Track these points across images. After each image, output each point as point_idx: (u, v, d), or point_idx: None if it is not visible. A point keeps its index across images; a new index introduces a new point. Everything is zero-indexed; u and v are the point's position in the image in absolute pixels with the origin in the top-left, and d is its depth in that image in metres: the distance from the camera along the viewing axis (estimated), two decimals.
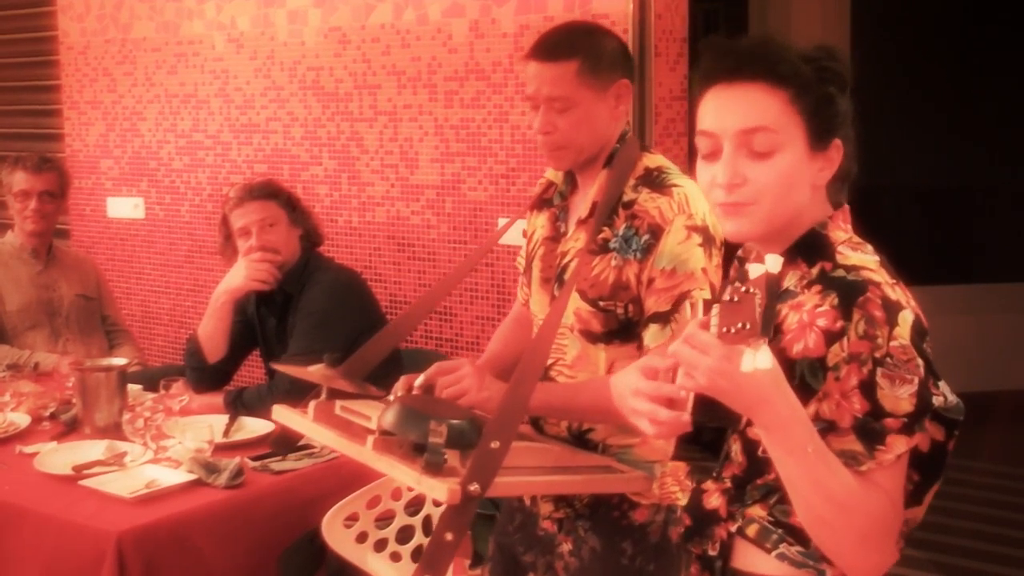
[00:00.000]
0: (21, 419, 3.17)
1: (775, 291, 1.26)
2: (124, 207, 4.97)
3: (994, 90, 6.08)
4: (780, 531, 1.53)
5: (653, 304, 2.13)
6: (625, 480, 2.17)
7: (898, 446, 1.42)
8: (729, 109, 1.52)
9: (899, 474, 1.46)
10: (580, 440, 2.25)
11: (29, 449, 2.95)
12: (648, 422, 1.47)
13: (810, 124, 1.51)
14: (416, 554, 2.51)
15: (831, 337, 1.42)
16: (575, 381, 2.24)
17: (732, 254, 1.79)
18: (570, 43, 2.20)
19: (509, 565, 2.39)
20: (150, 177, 4.88)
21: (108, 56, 4.93)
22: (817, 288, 1.47)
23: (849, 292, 1.44)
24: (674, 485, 2.22)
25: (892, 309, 1.43)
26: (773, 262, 1.29)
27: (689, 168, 2.28)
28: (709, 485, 1.64)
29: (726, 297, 1.31)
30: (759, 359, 1.28)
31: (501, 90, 3.85)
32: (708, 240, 2.14)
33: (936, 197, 6.27)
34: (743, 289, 1.29)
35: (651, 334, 2.13)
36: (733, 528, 1.58)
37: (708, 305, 1.39)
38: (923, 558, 4.11)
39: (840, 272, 1.48)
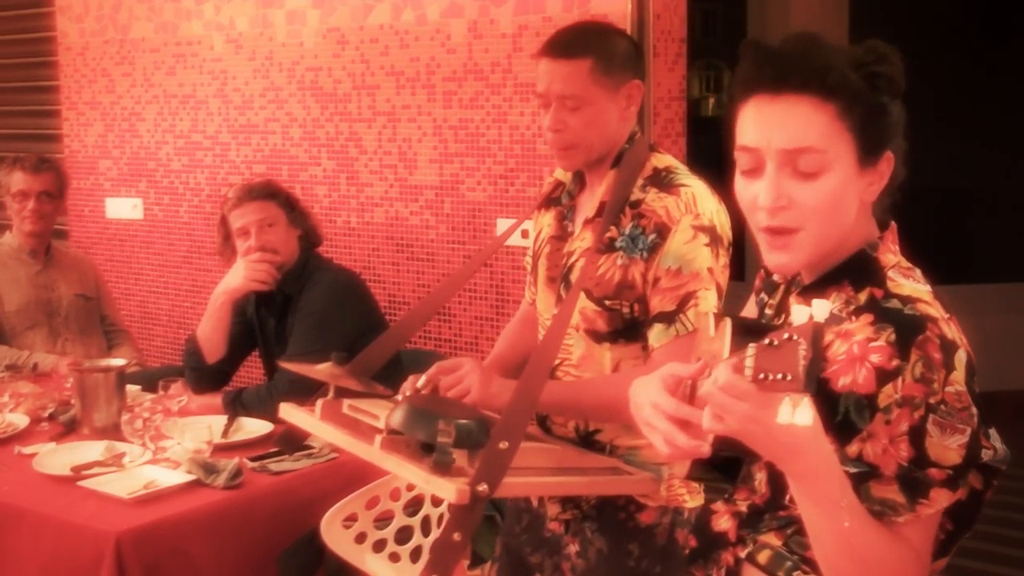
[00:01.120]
0: (20, 420, 3.16)
1: (820, 343, 1.15)
2: (123, 208, 4.97)
3: (995, 90, 6.08)
4: (795, 558, 1.44)
5: (658, 304, 2.13)
6: (632, 482, 2.17)
7: (941, 500, 1.34)
8: (773, 125, 1.40)
9: (932, 528, 1.37)
10: (587, 441, 2.25)
11: (28, 450, 2.95)
12: (663, 441, 1.37)
13: (860, 139, 1.39)
14: (415, 554, 2.51)
15: (884, 376, 1.31)
16: (581, 379, 2.24)
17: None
18: (584, 42, 2.20)
19: (516, 566, 2.39)
20: (149, 178, 4.87)
21: (107, 57, 4.93)
22: (868, 318, 1.36)
23: (908, 328, 1.33)
24: (681, 487, 2.22)
25: (950, 350, 1.33)
26: (821, 309, 1.18)
27: (688, 168, 2.28)
28: (719, 506, 1.56)
29: (764, 341, 1.20)
30: (799, 415, 1.17)
31: (500, 90, 3.85)
32: (715, 240, 2.13)
33: (936, 197, 6.26)
34: (785, 336, 1.18)
35: (656, 333, 2.13)
36: (742, 554, 1.50)
37: (719, 319, 1.31)
38: None
39: (895, 303, 1.37)
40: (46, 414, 3.21)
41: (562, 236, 2.32)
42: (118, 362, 3.28)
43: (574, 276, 2.22)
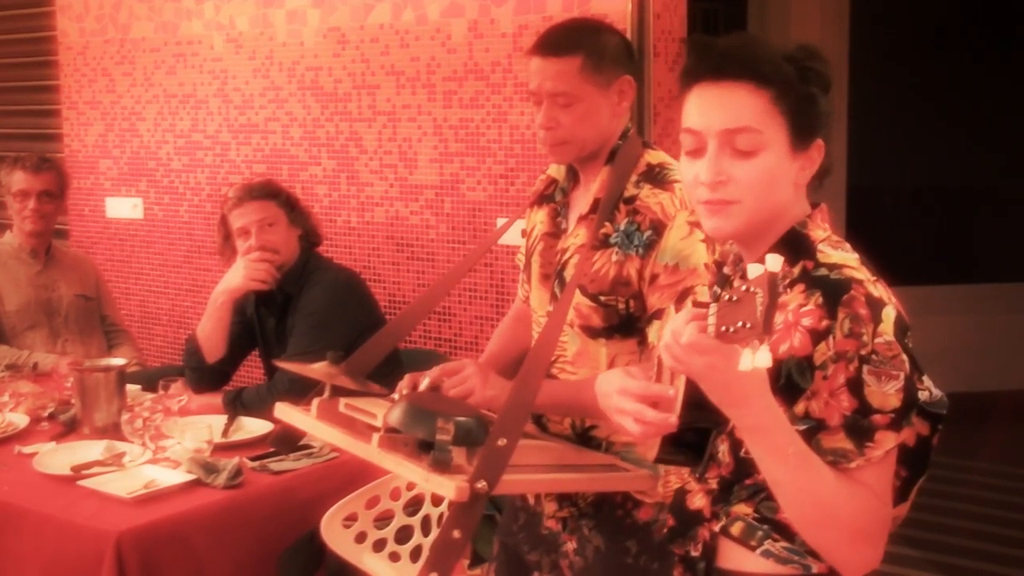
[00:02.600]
0: (20, 419, 3.16)
1: (776, 290, 1.26)
2: (123, 207, 4.97)
3: (994, 90, 6.07)
4: (765, 527, 1.53)
5: (657, 301, 2.13)
6: (630, 479, 2.17)
7: (887, 442, 1.44)
8: (714, 108, 1.54)
9: (887, 471, 1.47)
10: (584, 438, 2.25)
11: (28, 449, 2.95)
12: (633, 421, 1.48)
13: (792, 124, 1.52)
14: (415, 554, 2.51)
15: (817, 336, 1.43)
16: (578, 378, 2.24)
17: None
18: (574, 39, 2.21)
19: (514, 564, 2.39)
20: (149, 177, 4.87)
21: (107, 56, 4.93)
22: (800, 287, 1.49)
23: (833, 290, 1.45)
24: (678, 483, 2.22)
25: (876, 306, 1.44)
26: (774, 261, 1.28)
27: None
28: (693, 486, 1.65)
29: (724, 297, 1.30)
30: (759, 358, 1.27)
31: (500, 90, 3.85)
32: (710, 236, 2.14)
33: (936, 197, 6.26)
34: (743, 288, 1.28)
35: (655, 330, 2.13)
36: (717, 528, 1.58)
37: (700, 307, 1.38)
38: (923, 558, 4.11)
39: (823, 271, 1.49)
40: (46, 414, 3.21)
41: (556, 233, 2.32)
42: (118, 362, 3.28)
43: (568, 273, 2.22)
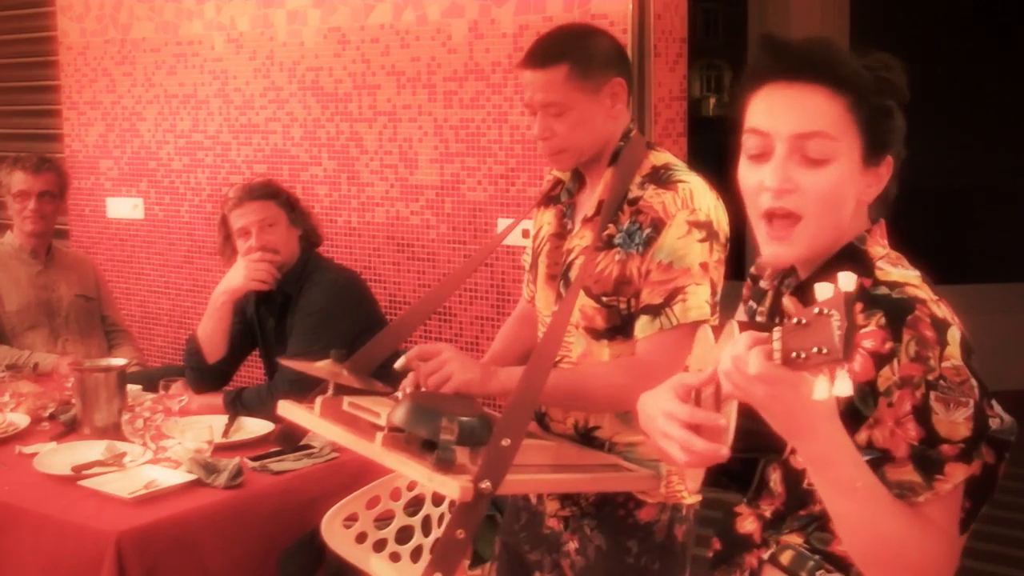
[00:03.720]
0: (20, 419, 3.16)
1: (852, 311, 1.16)
2: (123, 207, 4.97)
3: (995, 90, 6.08)
4: (817, 558, 1.44)
5: (647, 296, 2.14)
6: (632, 479, 2.17)
7: (957, 475, 1.35)
8: (786, 109, 1.43)
9: (955, 505, 1.39)
10: (586, 438, 2.25)
11: (28, 449, 2.95)
12: (679, 449, 1.37)
13: (866, 136, 1.43)
14: (415, 554, 2.51)
15: (881, 360, 1.34)
16: (578, 368, 2.24)
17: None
18: (558, 48, 2.22)
19: (515, 564, 2.39)
20: (149, 177, 4.87)
21: (107, 56, 4.93)
22: (859, 307, 1.37)
23: (896, 311, 1.36)
24: (680, 484, 2.22)
25: (942, 328, 1.35)
26: (847, 280, 1.19)
27: (688, 167, 2.29)
28: (743, 508, 1.56)
29: (791, 321, 1.20)
30: (839, 386, 1.17)
31: (500, 90, 3.85)
32: (711, 235, 2.14)
33: (937, 197, 6.26)
34: (816, 311, 1.18)
35: (641, 325, 2.15)
36: (765, 555, 1.50)
37: (744, 327, 1.29)
38: None
39: (883, 289, 1.40)
40: (47, 414, 3.21)
41: (562, 234, 2.33)
42: (119, 362, 3.28)
43: (573, 274, 2.23)
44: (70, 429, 3.12)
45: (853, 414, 1.36)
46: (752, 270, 1.64)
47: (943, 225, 6.34)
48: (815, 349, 1.17)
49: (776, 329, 1.23)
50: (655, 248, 2.13)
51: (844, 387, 1.17)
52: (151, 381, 3.33)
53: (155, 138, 4.83)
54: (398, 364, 2.21)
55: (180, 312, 4.82)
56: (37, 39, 5.18)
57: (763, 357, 1.23)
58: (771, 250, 1.46)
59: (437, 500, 2.59)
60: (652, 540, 2.20)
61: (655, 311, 2.13)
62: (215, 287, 3.40)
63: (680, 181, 2.18)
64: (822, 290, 1.20)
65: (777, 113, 1.44)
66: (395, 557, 2.52)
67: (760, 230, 1.46)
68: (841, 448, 1.30)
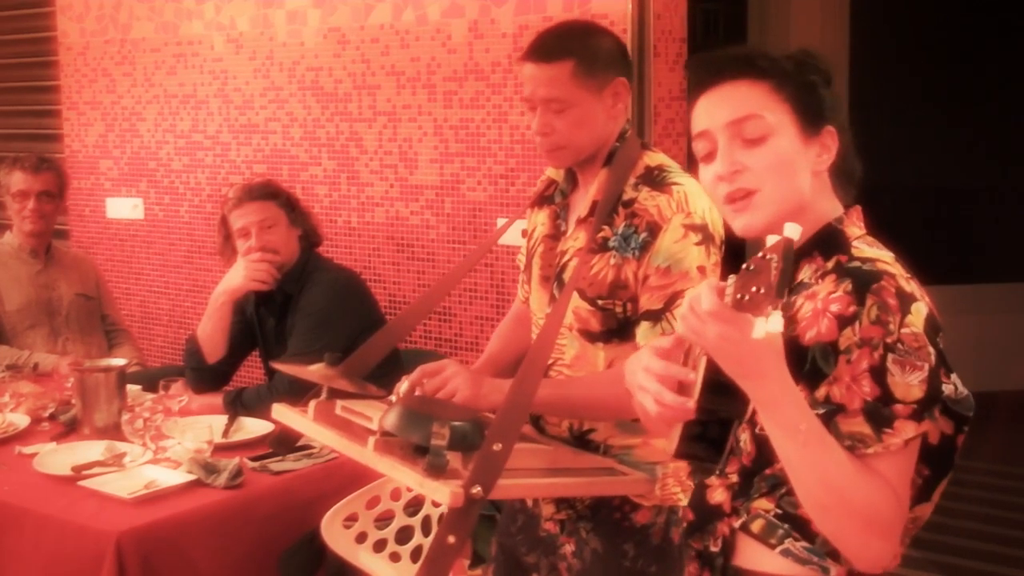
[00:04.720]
0: (20, 420, 3.16)
1: (791, 255, 1.27)
2: (123, 207, 4.97)
3: (994, 90, 6.07)
4: (786, 526, 1.51)
5: (646, 301, 2.13)
6: (627, 482, 2.16)
7: (906, 431, 1.42)
8: (717, 106, 1.57)
9: (906, 464, 1.45)
10: (581, 441, 2.25)
11: (28, 450, 2.95)
12: (652, 401, 1.46)
13: (797, 110, 1.55)
14: (415, 554, 2.51)
15: (843, 321, 1.43)
16: (572, 377, 2.24)
17: (737, 255, 1.77)
18: (564, 44, 2.20)
19: (512, 566, 2.39)
20: (149, 177, 4.88)
21: (107, 57, 4.93)
22: (832, 277, 1.49)
23: (863, 279, 1.45)
24: (676, 486, 2.21)
25: (906, 299, 1.44)
26: (792, 229, 1.30)
27: (688, 168, 2.28)
28: (713, 481, 1.62)
29: (744, 266, 1.31)
30: (771, 323, 1.28)
31: (500, 90, 3.85)
32: (707, 238, 2.13)
33: (936, 197, 6.26)
34: (760, 255, 1.29)
35: (643, 331, 2.13)
36: (737, 524, 1.56)
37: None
38: (923, 558, 4.11)
39: (856, 263, 1.49)
40: (47, 414, 3.21)
41: (556, 235, 2.32)
42: (119, 362, 3.28)
43: (567, 276, 2.22)
44: (70, 429, 3.12)
45: (815, 373, 1.45)
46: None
47: (943, 225, 6.34)
48: (754, 289, 1.28)
49: (731, 275, 1.34)
50: (652, 252, 2.12)
51: (775, 324, 1.30)
52: (151, 381, 3.33)
53: (155, 138, 4.83)
54: (402, 388, 2.18)
55: (180, 312, 4.82)
56: (37, 39, 5.18)
57: (715, 295, 1.35)
58: (739, 222, 1.57)
59: (436, 501, 2.59)
60: (648, 543, 2.20)
61: (655, 316, 2.12)
62: (215, 287, 3.40)
63: (674, 184, 2.17)
64: (771, 238, 1.30)
65: (711, 112, 1.58)
66: (395, 557, 2.51)
67: (726, 212, 1.59)
68: (787, 392, 1.39)
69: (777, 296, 1.27)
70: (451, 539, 1.87)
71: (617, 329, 2.18)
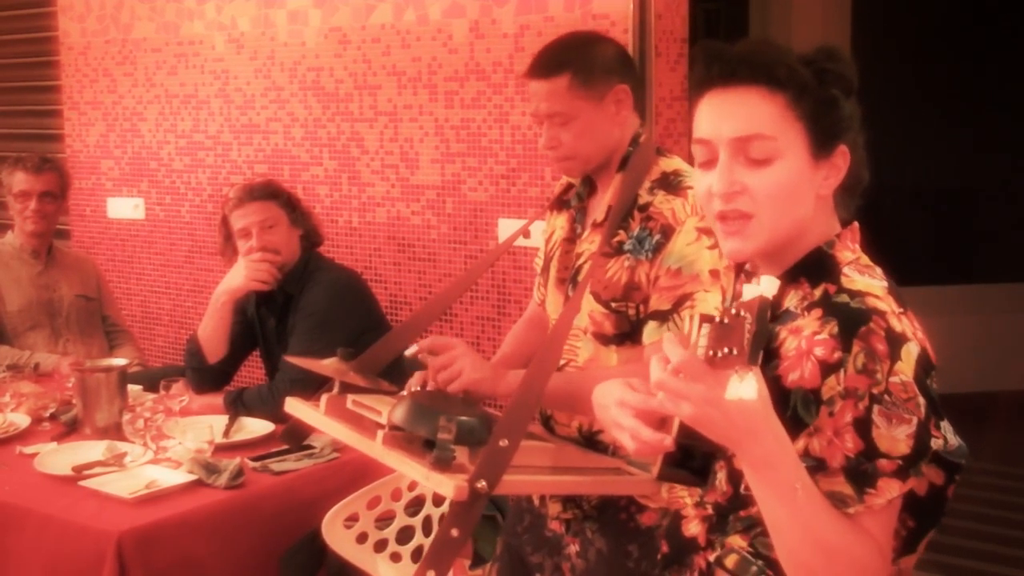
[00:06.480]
0: (21, 420, 3.17)
1: (766, 317, 1.19)
2: (124, 207, 4.97)
3: (995, 90, 6.08)
4: (760, 563, 1.44)
5: (655, 302, 2.14)
6: (634, 483, 2.16)
7: (890, 490, 1.34)
8: (724, 115, 1.44)
9: (888, 521, 1.38)
10: (590, 442, 2.25)
11: (29, 450, 2.96)
12: (629, 438, 1.41)
13: (811, 129, 1.42)
14: (416, 554, 2.51)
15: (827, 369, 1.33)
16: (579, 371, 2.24)
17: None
18: (561, 57, 2.23)
19: (517, 565, 2.39)
20: (150, 177, 4.88)
21: (108, 57, 4.93)
22: (817, 313, 1.38)
23: (851, 321, 1.34)
24: (683, 490, 2.21)
25: (896, 342, 1.34)
26: (769, 285, 1.22)
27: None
28: (688, 512, 1.58)
29: (717, 319, 1.23)
30: (744, 388, 1.19)
31: (501, 90, 3.85)
32: None
33: (936, 197, 6.27)
34: (734, 312, 1.21)
35: (648, 331, 2.14)
36: (712, 558, 1.50)
37: (703, 320, 1.30)
38: (923, 558, 4.08)
39: (843, 297, 1.38)
40: (48, 414, 3.21)
41: (573, 239, 2.34)
42: (120, 362, 3.28)
43: (581, 278, 2.23)
44: (71, 429, 3.12)
45: (795, 421, 1.35)
46: (747, 267, 1.62)
47: (943, 225, 6.35)
48: (727, 350, 1.20)
49: (704, 326, 1.26)
50: (664, 254, 2.13)
51: (748, 390, 1.19)
52: (152, 381, 3.33)
53: (156, 138, 4.83)
54: (408, 352, 2.21)
55: (181, 312, 4.82)
56: (38, 39, 5.18)
57: (684, 350, 1.26)
58: (728, 246, 1.46)
59: (438, 500, 2.59)
60: (653, 545, 2.19)
61: (663, 317, 2.13)
62: (216, 287, 3.40)
63: (690, 187, 2.18)
64: (748, 291, 1.23)
65: (716, 120, 1.45)
66: (396, 557, 2.52)
67: (716, 229, 1.48)
68: (782, 449, 1.30)
69: (749, 362, 1.18)
70: (455, 532, 1.87)
71: (630, 332, 2.19)
